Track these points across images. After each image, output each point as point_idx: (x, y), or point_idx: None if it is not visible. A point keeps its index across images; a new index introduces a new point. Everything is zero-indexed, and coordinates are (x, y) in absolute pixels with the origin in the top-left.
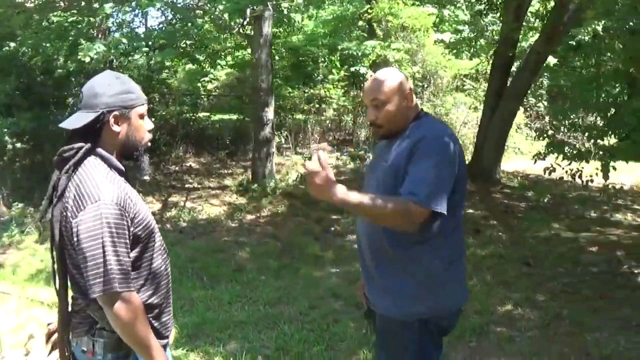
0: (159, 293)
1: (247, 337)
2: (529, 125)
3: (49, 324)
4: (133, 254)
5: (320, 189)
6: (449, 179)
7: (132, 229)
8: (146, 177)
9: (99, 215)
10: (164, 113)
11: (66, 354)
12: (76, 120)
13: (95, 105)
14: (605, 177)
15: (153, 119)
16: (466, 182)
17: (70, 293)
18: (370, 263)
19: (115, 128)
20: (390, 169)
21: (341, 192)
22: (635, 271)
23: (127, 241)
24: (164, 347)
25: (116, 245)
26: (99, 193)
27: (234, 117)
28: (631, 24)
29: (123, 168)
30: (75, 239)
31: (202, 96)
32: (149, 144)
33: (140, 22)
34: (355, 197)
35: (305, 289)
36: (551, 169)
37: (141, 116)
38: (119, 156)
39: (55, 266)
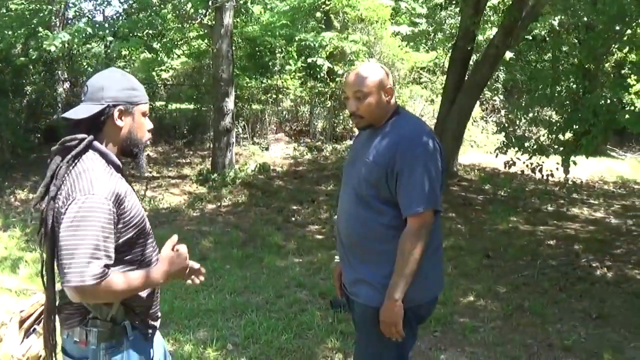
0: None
1: (215, 325)
2: (484, 119)
3: (21, 311)
4: (122, 248)
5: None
6: (437, 175)
7: (119, 225)
8: (146, 174)
9: (85, 208)
10: None
11: (51, 342)
12: (81, 111)
13: (101, 98)
14: (566, 171)
15: None
16: (445, 174)
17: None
18: (351, 253)
19: (119, 122)
20: (373, 165)
21: (395, 296)
22: (594, 265)
23: (111, 236)
24: (154, 331)
25: (98, 238)
26: (91, 187)
27: (191, 106)
28: (586, 19)
29: (120, 164)
30: (58, 228)
31: (159, 85)
32: (148, 142)
33: (97, 11)
34: (399, 284)
35: (270, 279)
36: (511, 162)
37: (143, 114)
38: (119, 152)
39: (45, 256)
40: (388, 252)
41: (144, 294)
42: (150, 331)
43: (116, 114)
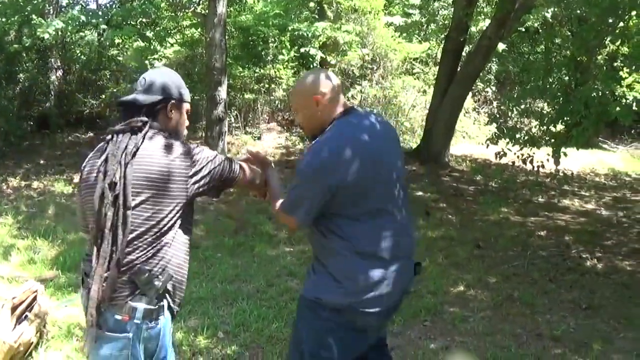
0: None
1: (207, 312)
2: (476, 110)
3: (13, 298)
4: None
5: None
6: (309, 195)
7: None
8: None
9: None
10: (114, 90)
11: (95, 320)
12: (142, 97)
13: (158, 91)
14: (557, 162)
15: (103, 96)
16: (364, 178)
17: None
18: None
19: (169, 115)
20: None
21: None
22: (584, 256)
23: None
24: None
25: None
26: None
27: None
28: (579, 11)
29: None
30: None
31: None
32: (184, 138)
33: None
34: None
35: (261, 267)
36: (502, 153)
37: (187, 112)
38: None
39: (119, 228)
40: (321, 249)
41: (185, 275)
42: (176, 313)
43: (169, 106)
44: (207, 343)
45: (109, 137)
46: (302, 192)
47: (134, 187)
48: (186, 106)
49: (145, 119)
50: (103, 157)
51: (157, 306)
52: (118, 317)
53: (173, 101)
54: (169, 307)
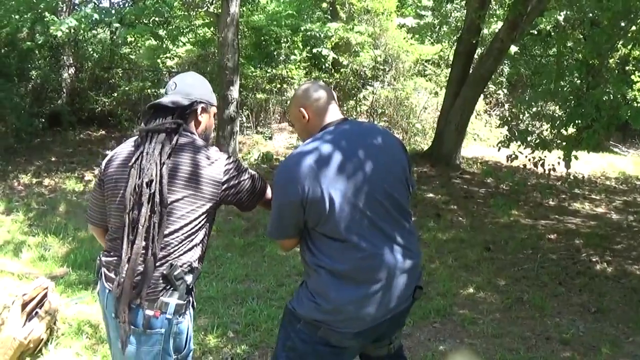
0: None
1: (216, 312)
2: (488, 112)
3: (23, 295)
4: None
5: None
6: (281, 209)
7: None
8: None
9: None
10: (126, 88)
11: (127, 316)
12: (175, 100)
13: (190, 94)
14: (568, 166)
15: (115, 94)
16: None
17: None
18: None
19: (200, 118)
20: None
21: None
22: (594, 259)
23: None
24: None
25: None
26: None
27: None
28: (591, 15)
29: None
30: (234, 174)
31: (164, 73)
32: (212, 139)
33: None
34: None
35: (271, 267)
36: (513, 156)
37: (214, 115)
38: None
39: (154, 225)
40: (304, 263)
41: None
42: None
43: (199, 109)
44: (217, 342)
45: (143, 135)
46: (276, 212)
47: (170, 185)
48: (214, 110)
49: (179, 121)
50: (137, 154)
51: (186, 301)
52: (149, 312)
53: (203, 105)
54: (192, 303)
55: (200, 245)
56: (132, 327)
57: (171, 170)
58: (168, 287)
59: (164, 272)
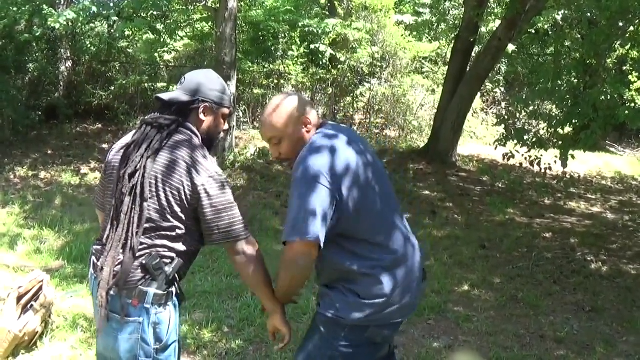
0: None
1: (211, 306)
2: (485, 111)
3: (19, 288)
4: None
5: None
6: (315, 202)
7: None
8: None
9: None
10: (124, 82)
11: (105, 302)
12: (174, 96)
13: (193, 91)
14: (564, 165)
15: (112, 88)
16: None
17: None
18: None
19: (202, 117)
20: None
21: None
22: (589, 258)
23: None
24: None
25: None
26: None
27: None
28: (589, 14)
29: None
30: (204, 195)
31: (161, 67)
32: (218, 142)
33: None
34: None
35: (266, 262)
36: (510, 155)
37: (223, 116)
38: None
39: (135, 215)
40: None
41: (187, 262)
42: (182, 299)
43: (201, 108)
44: (212, 337)
45: (139, 126)
46: (308, 203)
47: (152, 179)
48: (224, 111)
49: (174, 117)
50: (128, 144)
51: (166, 292)
52: (128, 301)
53: (207, 104)
54: (177, 294)
55: (185, 238)
56: (111, 313)
57: (155, 166)
58: (147, 277)
59: (143, 261)
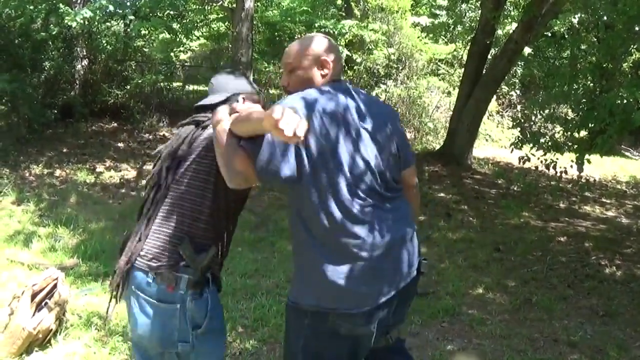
0: None
1: (226, 306)
2: (500, 113)
3: (33, 285)
4: None
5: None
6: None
7: None
8: None
9: None
10: (139, 81)
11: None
12: (212, 100)
13: (220, 92)
14: (580, 169)
15: (128, 87)
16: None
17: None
18: None
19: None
20: None
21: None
22: (603, 263)
23: None
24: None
25: None
26: None
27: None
28: (605, 18)
29: None
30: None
31: (177, 66)
32: None
33: None
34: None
35: (281, 263)
36: (525, 158)
37: (259, 102)
38: None
39: (158, 205)
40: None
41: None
42: (220, 287)
43: (241, 100)
44: (226, 337)
45: (178, 128)
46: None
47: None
48: (255, 97)
49: (208, 114)
50: (168, 143)
51: (200, 278)
52: (163, 286)
53: (243, 96)
54: (214, 281)
55: (209, 223)
56: (148, 298)
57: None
58: (180, 263)
59: (176, 246)
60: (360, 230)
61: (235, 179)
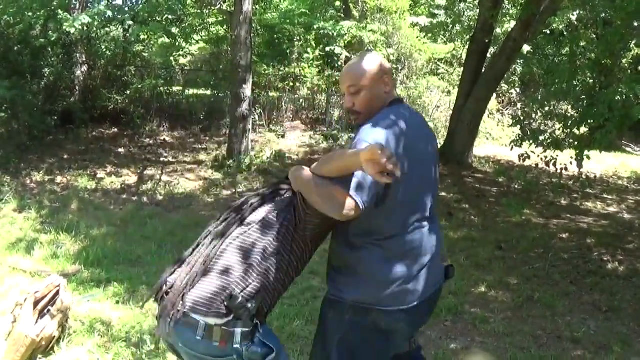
0: None
1: None
2: (500, 112)
3: (36, 292)
4: None
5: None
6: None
7: None
8: None
9: None
10: (139, 86)
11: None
12: None
13: None
14: (580, 165)
15: (128, 92)
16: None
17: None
18: None
19: None
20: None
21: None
22: (605, 259)
23: None
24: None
25: None
26: None
27: (208, 92)
28: (604, 14)
29: None
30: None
31: (176, 70)
32: None
33: None
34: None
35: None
36: (526, 155)
37: None
38: None
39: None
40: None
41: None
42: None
43: None
44: None
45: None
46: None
47: None
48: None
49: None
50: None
51: (251, 328)
52: (215, 343)
53: None
54: (262, 322)
55: (278, 281)
56: (200, 355)
57: None
58: (230, 316)
59: (224, 301)
60: (416, 238)
61: (341, 208)
